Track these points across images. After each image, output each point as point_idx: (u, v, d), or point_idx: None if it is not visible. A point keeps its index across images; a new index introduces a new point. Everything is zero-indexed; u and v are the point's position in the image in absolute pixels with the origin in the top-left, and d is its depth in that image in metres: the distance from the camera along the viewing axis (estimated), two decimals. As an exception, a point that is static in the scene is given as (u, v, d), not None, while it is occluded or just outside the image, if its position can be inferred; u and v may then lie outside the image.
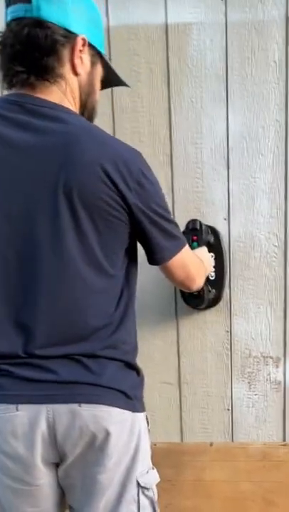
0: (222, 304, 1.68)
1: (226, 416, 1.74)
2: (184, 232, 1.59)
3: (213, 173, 1.63)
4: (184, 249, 1.22)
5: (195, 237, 1.56)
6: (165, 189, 1.63)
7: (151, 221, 1.14)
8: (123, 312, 1.17)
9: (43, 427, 1.08)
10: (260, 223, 1.63)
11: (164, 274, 1.27)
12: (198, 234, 1.56)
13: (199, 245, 1.56)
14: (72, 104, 1.15)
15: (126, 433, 1.14)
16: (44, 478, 1.14)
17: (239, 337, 1.69)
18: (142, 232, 1.15)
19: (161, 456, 1.74)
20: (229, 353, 1.70)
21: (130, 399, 1.15)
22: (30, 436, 1.09)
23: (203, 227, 1.58)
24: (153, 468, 1.22)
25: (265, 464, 1.72)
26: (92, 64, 1.16)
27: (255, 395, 1.72)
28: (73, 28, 1.10)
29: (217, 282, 1.63)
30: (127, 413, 1.14)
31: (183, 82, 1.59)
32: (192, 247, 1.57)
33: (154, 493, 1.20)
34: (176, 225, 1.21)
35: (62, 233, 1.06)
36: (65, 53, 1.10)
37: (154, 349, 1.73)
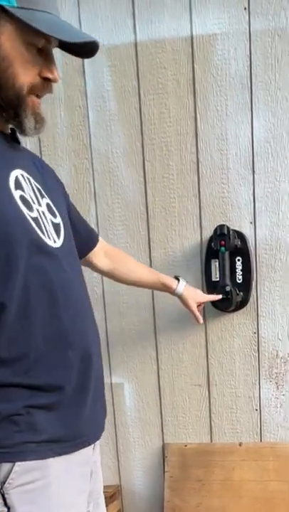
0: (249, 306, 1.70)
1: (254, 416, 1.76)
2: (212, 238, 1.64)
3: (238, 178, 1.65)
4: None
5: (223, 242, 1.59)
6: (192, 195, 1.68)
7: None
8: None
9: None
10: (285, 226, 1.65)
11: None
12: (226, 239, 1.59)
13: (227, 250, 1.59)
14: None
15: None
16: None
17: (266, 338, 1.71)
18: None
19: (191, 457, 1.77)
20: (257, 354, 1.73)
21: None
22: None
23: (231, 232, 1.61)
24: None
25: (294, 463, 1.74)
26: None
27: (283, 395, 1.74)
28: None
29: (244, 285, 1.66)
30: None
31: (208, 91, 1.62)
32: (220, 252, 1.61)
33: None
34: None
35: None
36: None
37: (183, 352, 1.76)
